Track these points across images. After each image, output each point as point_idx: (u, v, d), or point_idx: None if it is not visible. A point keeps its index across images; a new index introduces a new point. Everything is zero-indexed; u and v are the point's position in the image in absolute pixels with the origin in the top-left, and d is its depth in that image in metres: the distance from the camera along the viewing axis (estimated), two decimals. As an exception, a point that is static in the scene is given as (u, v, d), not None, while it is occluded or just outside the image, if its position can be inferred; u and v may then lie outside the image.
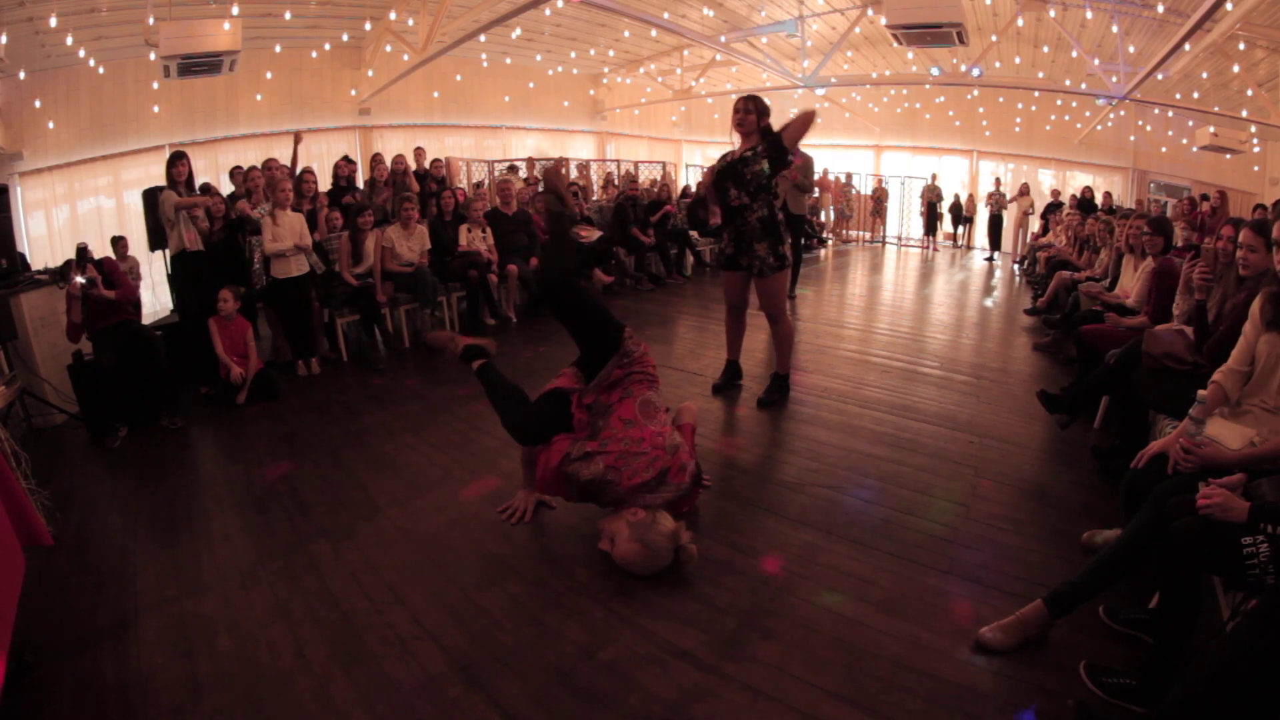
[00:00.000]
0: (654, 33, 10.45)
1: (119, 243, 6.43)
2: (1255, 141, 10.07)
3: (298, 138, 5.34)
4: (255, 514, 2.68)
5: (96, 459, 3.39)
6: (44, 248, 7.60)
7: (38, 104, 7.51)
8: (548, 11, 8.71)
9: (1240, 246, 2.36)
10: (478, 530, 2.47)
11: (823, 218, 11.76)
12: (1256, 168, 10.72)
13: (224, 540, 2.48)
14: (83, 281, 3.49)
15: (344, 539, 2.43)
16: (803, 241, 10.39)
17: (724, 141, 5.03)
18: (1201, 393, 1.88)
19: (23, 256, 4.83)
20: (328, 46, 9.57)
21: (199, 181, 5.86)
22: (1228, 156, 9.80)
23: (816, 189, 11.71)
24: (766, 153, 3.35)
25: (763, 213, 3.40)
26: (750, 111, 3.36)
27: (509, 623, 1.95)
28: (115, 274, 3.80)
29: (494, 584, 2.13)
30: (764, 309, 3.60)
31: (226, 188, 6.40)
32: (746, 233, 3.45)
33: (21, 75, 6.98)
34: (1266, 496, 1.56)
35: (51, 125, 7.69)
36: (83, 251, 3.68)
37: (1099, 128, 12.25)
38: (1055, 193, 10.99)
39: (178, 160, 4.21)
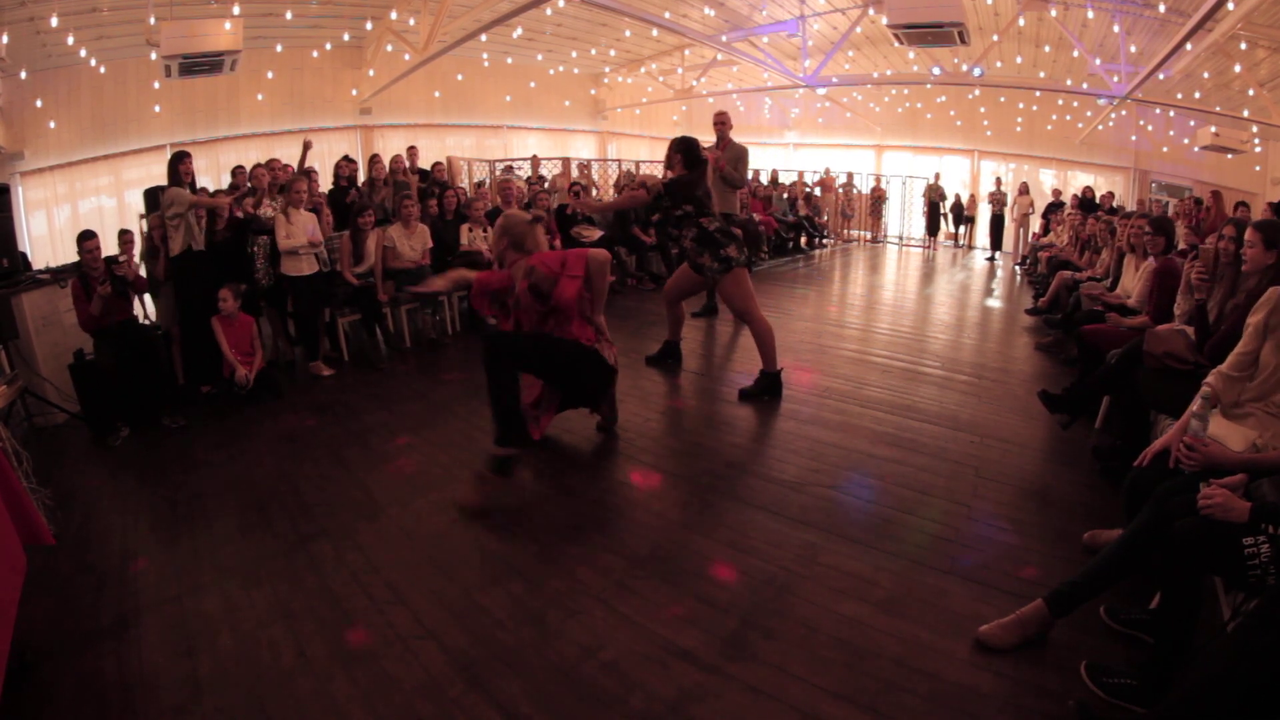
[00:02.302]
0: (655, 32, 10.44)
1: (125, 236, 6.41)
2: (1257, 141, 10.05)
3: (307, 144, 5.44)
4: (256, 513, 2.68)
5: (98, 458, 3.40)
6: (45, 247, 7.61)
7: (39, 103, 7.52)
8: (549, 11, 8.71)
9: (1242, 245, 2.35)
10: (478, 530, 2.47)
11: (824, 217, 11.76)
12: (1258, 167, 10.70)
13: (225, 540, 2.49)
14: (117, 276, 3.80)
15: (345, 538, 2.43)
16: (804, 242, 10.47)
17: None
18: (1205, 388, 1.88)
19: (24, 256, 4.84)
20: (329, 46, 9.57)
21: (200, 182, 5.87)
22: (1229, 156, 9.78)
23: (809, 193, 11.72)
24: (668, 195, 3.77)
25: (693, 232, 3.77)
26: (675, 152, 3.77)
27: (510, 622, 1.95)
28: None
29: (495, 584, 2.13)
30: (733, 312, 3.88)
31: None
32: (690, 252, 3.85)
33: (23, 75, 6.99)
34: (1268, 497, 1.55)
35: (53, 125, 7.70)
36: (112, 259, 3.98)
37: (1100, 127, 12.24)
38: (1057, 192, 10.97)
39: (184, 158, 4.21)
